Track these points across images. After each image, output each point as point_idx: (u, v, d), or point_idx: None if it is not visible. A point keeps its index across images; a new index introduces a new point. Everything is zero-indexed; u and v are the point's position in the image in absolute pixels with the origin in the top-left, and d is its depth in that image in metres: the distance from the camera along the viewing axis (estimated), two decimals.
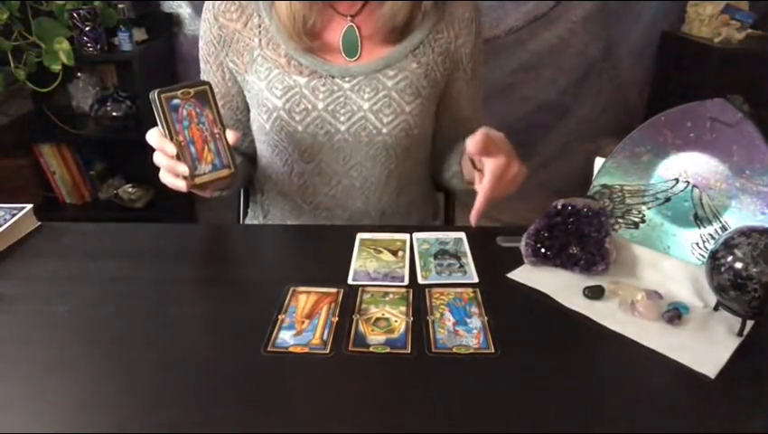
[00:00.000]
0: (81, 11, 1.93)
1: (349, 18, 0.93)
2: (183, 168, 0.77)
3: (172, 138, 0.76)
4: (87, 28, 1.95)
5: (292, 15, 0.90)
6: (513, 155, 0.79)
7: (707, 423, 0.53)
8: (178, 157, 0.76)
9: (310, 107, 0.92)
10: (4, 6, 1.80)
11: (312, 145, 0.95)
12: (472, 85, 1.03)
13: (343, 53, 0.94)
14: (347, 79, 0.93)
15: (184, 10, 2.22)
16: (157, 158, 0.78)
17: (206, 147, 0.79)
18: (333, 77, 0.92)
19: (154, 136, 0.78)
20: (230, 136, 0.80)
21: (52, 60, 1.91)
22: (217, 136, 0.80)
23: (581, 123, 2.49)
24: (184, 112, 0.77)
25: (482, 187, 0.78)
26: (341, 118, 0.93)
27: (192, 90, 0.77)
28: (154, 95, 0.75)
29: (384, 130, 0.93)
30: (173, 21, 2.24)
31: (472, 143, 0.75)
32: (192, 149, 0.78)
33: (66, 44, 1.90)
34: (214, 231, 0.94)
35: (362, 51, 0.94)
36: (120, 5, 2.01)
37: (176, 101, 0.76)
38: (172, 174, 0.78)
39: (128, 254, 0.82)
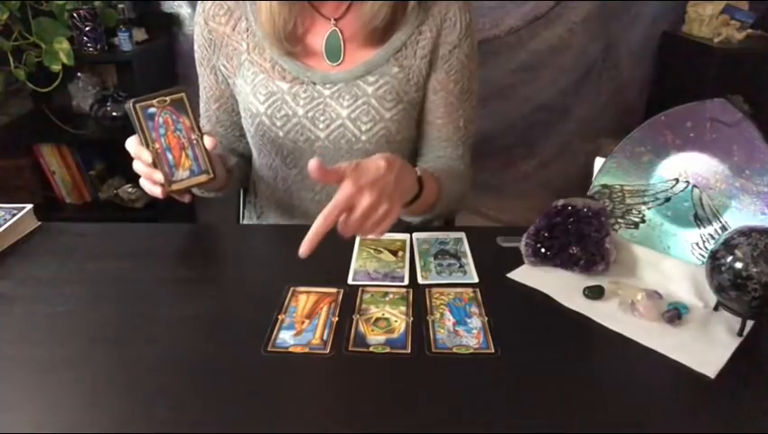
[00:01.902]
0: (81, 11, 1.93)
1: (333, 21, 0.92)
2: (159, 175, 0.78)
3: (148, 146, 0.77)
4: (87, 28, 1.95)
5: (272, 19, 0.89)
6: (374, 185, 0.69)
7: (707, 423, 0.53)
8: (155, 165, 0.78)
9: (291, 113, 0.92)
10: (4, 6, 1.80)
11: (293, 151, 0.95)
12: (448, 93, 0.95)
13: (326, 58, 0.93)
14: (328, 85, 0.92)
15: (184, 10, 2.22)
16: (135, 166, 0.80)
17: (183, 154, 0.80)
18: (315, 83, 0.92)
19: (132, 145, 0.79)
20: (208, 142, 0.81)
21: (52, 60, 1.91)
22: (194, 142, 0.81)
23: (581, 123, 2.49)
24: (160, 120, 0.78)
25: (321, 214, 0.68)
26: (321, 126, 0.92)
27: (168, 98, 0.78)
28: (129, 105, 0.76)
29: (363, 138, 0.92)
30: (173, 21, 2.24)
31: (315, 166, 0.68)
32: (170, 156, 0.79)
33: (66, 44, 1.90)
34: (214, 231, 0.94)
35: (345, 56, 0.93)
36: (120, 5, 2.01)
37: (152, 110, 0.77)
38: (149, 182, 0.80)
39: (128, 254, 0.82)
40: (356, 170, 0.70)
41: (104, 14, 1.99)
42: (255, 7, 0.93)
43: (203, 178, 0.82)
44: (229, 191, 1.02)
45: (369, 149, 0.93)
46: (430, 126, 0.98)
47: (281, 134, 0.93)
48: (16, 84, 2.00)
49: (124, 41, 2.00)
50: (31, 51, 1.91)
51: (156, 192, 0.80)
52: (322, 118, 0.92)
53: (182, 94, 0.79)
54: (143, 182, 0.81)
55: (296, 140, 0.94)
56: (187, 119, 0.80)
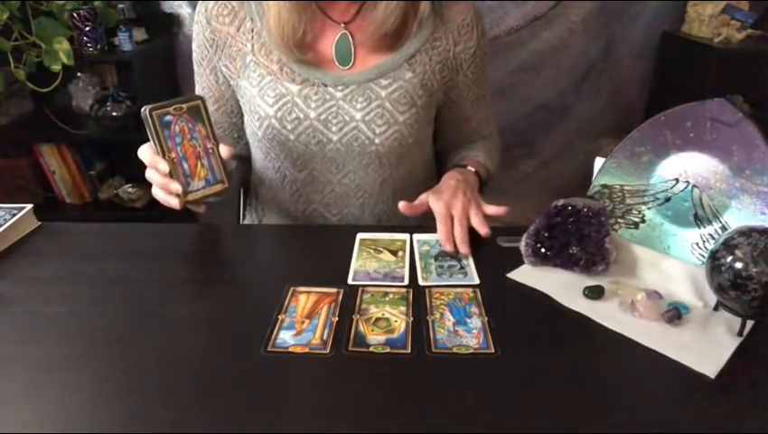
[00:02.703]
0: (81, 11, 1.93)
1: (342, 25, 0.91)
2: (177, 186, 0.77)
3: (164, 155, 0.76)
4: (87, 28, 1.95)
5: (281, 26, 0.87)
6: (455, 193, 0.86)
7: (707, 423, 0.53)
8: (171, 175, 0.76)
9: (302, 116, 0.91)
10: (4, 6, 1.80)
11: (304, 153, 0.94)
12: (475, 87, 1.02)
13: (337, 62, 0.92)
14: (340, 87, 0.91)
15: (184, 10, 2.22)
16: (150, 175, 0.78)
17: (199, 163, 0.79)
18: (326, 85, 0.91)
19: (146, 153, 0.77)
20: (224, 151, 0.80)
21: (52, 60, 1.91)
22: (210, 151, 0.79)
23: (581, 123, 2.49)
24: (176, 128, 0.76)
25: (442, 232, 0.82)
26: (333, 129, 0.92)
27: (184, 106, 0.77)
28: (145, 112, 0.74)
29: (376, 141, 0.92)
30: (173, 21, 2.25)
31: (404, 208, 0.85)
32: (185, 166, 0.78)
33: (66, 44, 1.90)
34: (214, 232, 0.94)
35: (356, 60, 0.92)
36: (120, 5, 2.01)
37: (168, 118, 0.76)
38: (165, 192, 0.78)
39: (128, 254, 0.82)
40: (435, 192, 0.87)
41: (104, 14, 2.00)
42: (260, 8, 0.92)
43: (218, 188, 0.81)
44: (228, 195, 1.01)
45: (382, 152, 0.93)
46: (468, 120, 1.06)
47: (291, 137, 0.92)
48: (16, 84, 2.01)
49: (124, 41, 2.00)
50: (31, 51, 1.91)
51: (173, 203, 0.78)
52: (335, 121, 0.91)
53: (199, 102, 0.78)
54: (156, 192, 0.79)
55: (307, 143, 0.93)
56: (203, 128, 0.78)
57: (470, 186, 0.91)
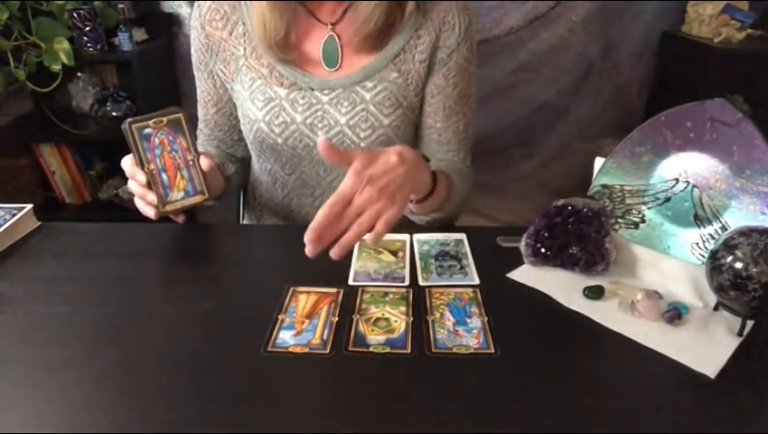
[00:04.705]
0: (81, 11, 1.93)
1: (329, 26, 0.91)
2: (152, 197, 0.79)
3: (143, 167, 0.78)
4: (87, 28, 1.95)
5: (263, 26, 0.87)
6: (377, 185, 0.66)
7: (707, 423, 0.53)
8: (149, 186, 0.79)
9: (289, 120, 0.91)
10: (4, 6, 1.80)
11: (292, 157, 0.94)
12: (444, 95, 0.94)
13: (324, 64, 0.92)
14: (326, 91, 0.91)
15: (184, 10, 2.22)
16: (131, 185, 0.81)
17: (179, 175, 0.81)
18: (313, 89, 0.91)
19: (127, 164, 0.80)
20: (204, 162, 0.82)
21: (52, 60, 1.91)
22: (190, 163, 0.81)
23: (581, 123, 2.50)
24: (156, 141, 0.79)
25: (325, 204, 0.65)
26: (319, 133, 0.92)
27: (165, 119, 0.79)
28: (125, 125, 0.77)
29: (362, 144, 0.91)
30: (173, 21, 2.25)
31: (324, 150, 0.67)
32: (164, 177, 0.80)
33: (66, 44, 1.90)
34: (214, 232, 0.94)
35: (343, 61, 0.92)
36: (120, 5, 2.01)
37: (148, 130, 0.78)
38: (143, 202, 0.81)
39: (128, 254, 0.82)
40: (364, 160, 0.67)
41: (104, 14, 2.00)
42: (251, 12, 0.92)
43: (198, 199, 0.83)
44: (226, 199, 1.02)
45: None
46: (430, 130, 0.98)
47: (279, 140, 0.92)
48: (16, 84, 2.00)
49: (124, 41, 2.00)
50: (31, 51, 1.91)
51: (150, 213, 0.81)
52: (320, 125, 0.91)
53: (180, 115, 0.80)
54: (137, 201, 0.82)
55: (295, 147, 0.93)
56: (184, 140, 0.81)
57: (408, 184, 0.71)
